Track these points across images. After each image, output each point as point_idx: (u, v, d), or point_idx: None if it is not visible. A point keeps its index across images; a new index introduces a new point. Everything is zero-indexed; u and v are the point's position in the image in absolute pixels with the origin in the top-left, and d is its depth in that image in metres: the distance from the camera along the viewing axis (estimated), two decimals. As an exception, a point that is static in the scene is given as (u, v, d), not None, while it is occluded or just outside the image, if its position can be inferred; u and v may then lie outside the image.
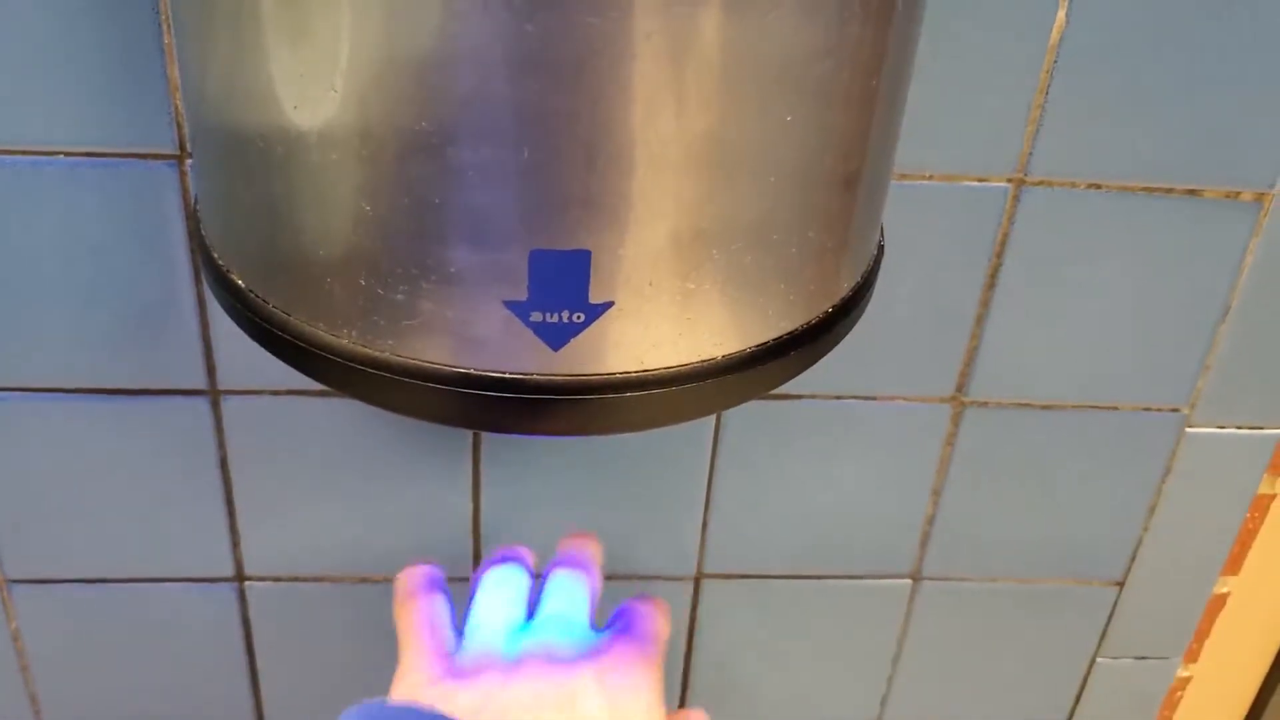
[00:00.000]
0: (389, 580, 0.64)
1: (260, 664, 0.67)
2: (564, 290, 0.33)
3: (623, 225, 0.33)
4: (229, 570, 0.63)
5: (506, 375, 0.35)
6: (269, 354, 0.38)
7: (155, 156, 0.50)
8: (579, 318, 0.34)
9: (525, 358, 0.34)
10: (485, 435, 0.60)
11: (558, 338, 0.34)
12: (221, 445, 0.59)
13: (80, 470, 0.59)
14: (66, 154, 0.50)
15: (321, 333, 0.35)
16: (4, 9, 0.46)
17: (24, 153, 0.50)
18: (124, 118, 0.49)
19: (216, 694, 0.68)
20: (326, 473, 0.60)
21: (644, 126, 0.31)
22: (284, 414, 0.58)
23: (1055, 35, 0.50)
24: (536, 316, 0.33)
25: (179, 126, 0.50)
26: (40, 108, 0.49)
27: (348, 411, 0.58)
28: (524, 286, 0.33)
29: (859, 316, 0.41)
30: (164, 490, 0.60)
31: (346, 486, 0.61)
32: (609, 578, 0.65)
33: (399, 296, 0.34)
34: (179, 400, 0.57)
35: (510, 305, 0.33)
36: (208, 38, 0.34)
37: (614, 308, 0.34)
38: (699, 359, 0.36)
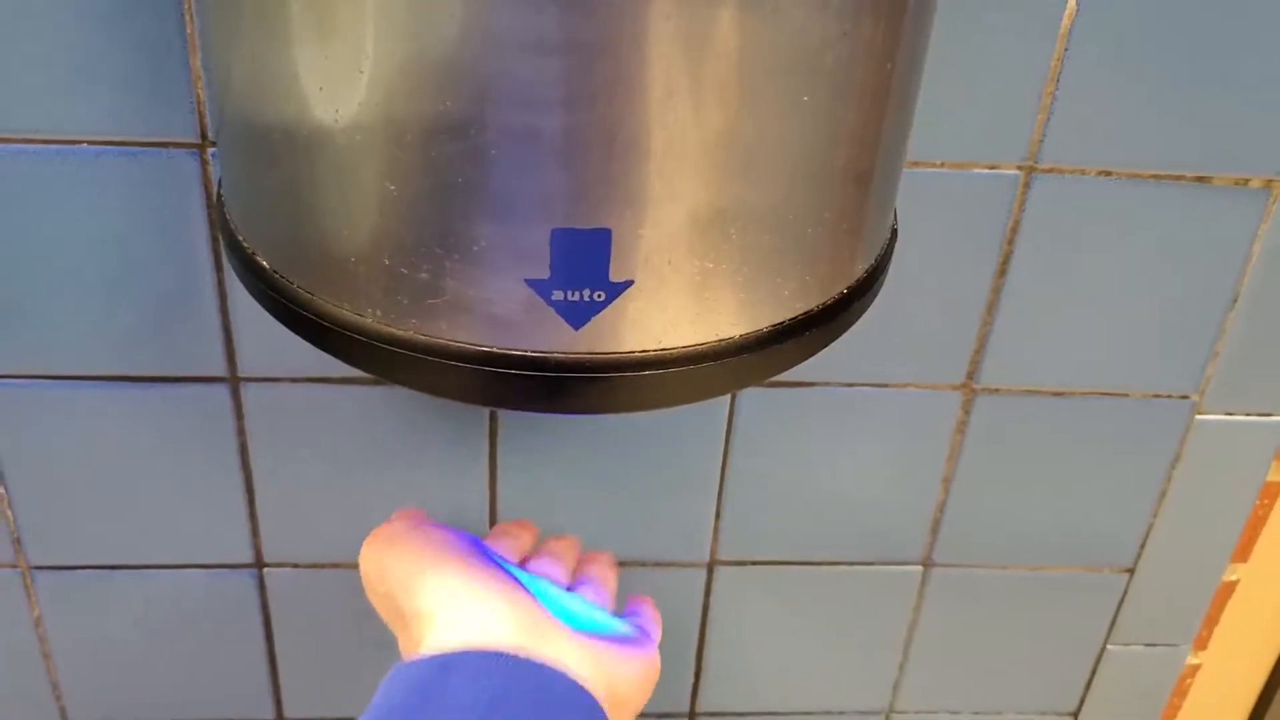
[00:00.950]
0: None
1: (279, 650, 0.67)
2: (585, 269, 0.34)
3: (642, 205, 0.33)
4: (248, 557, 0.64)
5: (528, 353, 0.35)
6: (290, 338, 0.38)
7: (177, 145, 0.51)
8: (600, 296, 0.34)
9: (547, 336, 0.35)
10: (502, 423, 0.61)
11: (579, 316, 0.35)
12: (241, 432, 0.60)
13: (101, 457, 0.60)
14: (90, 143, 0.51)
15: (346, 313, 0.36)
16: (29, 1, 0.47)
17: (48, 141, 0.50)
18: (147, 107, 0.50)
19: (236, 679, 0.68)
20: (345, 460, 0.61)
21: (663, 107, 0.32)
22: (303, 401, 0.59)
23: (1066, 23, 0.51)
24: (558, 295, 0.34)
25: (201, 116, 0.50)
26: (65, 98, 0.49)
27: (367, 399, 0.59)
28: (546, 265, 0.34)
29: (873, 298, 0.42)
30: (184, 477, 0.61)
31: (365, 474, 0.61)
32: (622, 564, 0.66)
33: (423, 276, 0.34)
34: (199, 387, 0.58)
35: (532, 284, 0.34)
36: (233, 22, 0.35)
37: (634, 286, 0.34)
38: (716, 338, 0.37)
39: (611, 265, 0.34)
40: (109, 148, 0.51)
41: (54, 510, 0.61)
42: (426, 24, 0.31)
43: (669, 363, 0.36)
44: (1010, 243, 0.57)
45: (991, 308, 0.59)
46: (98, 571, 0.64)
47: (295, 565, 0.64)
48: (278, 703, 0.70)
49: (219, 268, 0.54)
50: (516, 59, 0.31)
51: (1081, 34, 0.51)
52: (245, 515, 0.62)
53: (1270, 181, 0.55)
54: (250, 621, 0.66)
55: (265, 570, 0.64)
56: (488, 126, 0.32)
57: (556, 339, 0.35)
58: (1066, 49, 0.52)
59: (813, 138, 0.35)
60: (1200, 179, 0.55)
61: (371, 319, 0.36)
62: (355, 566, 0.65)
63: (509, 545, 0.49)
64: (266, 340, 0.56)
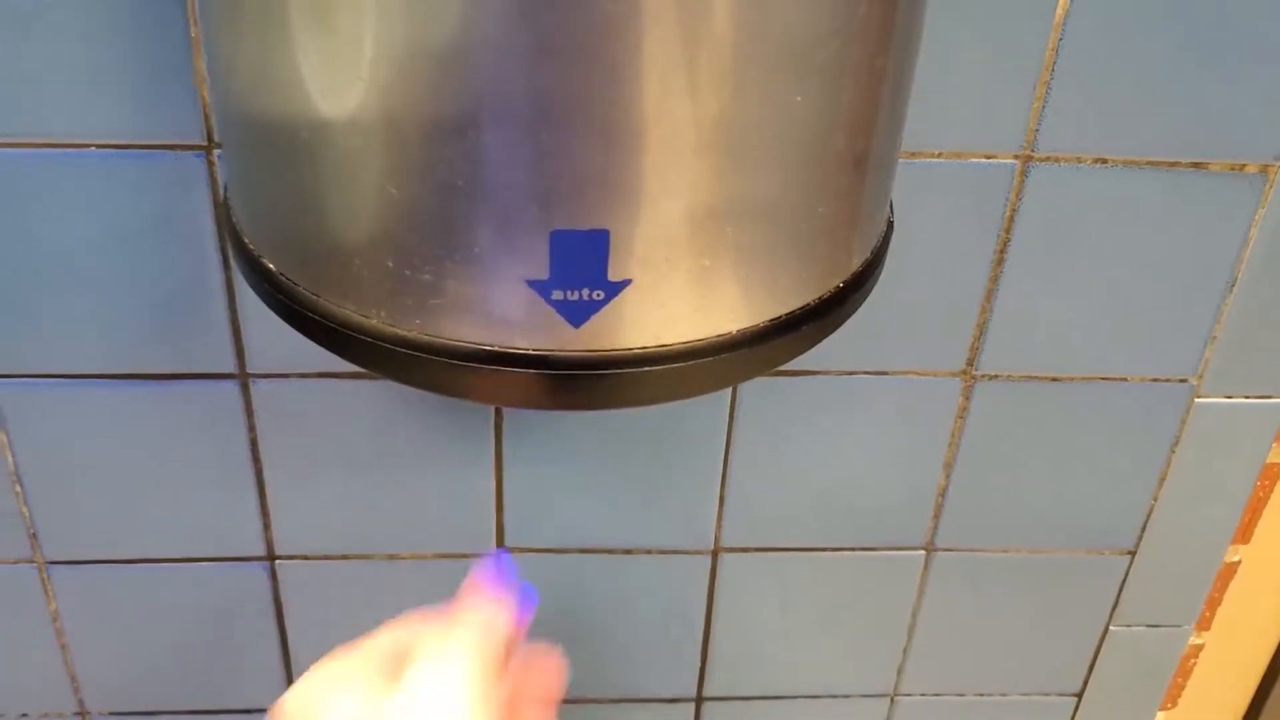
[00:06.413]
0: (415, 558, 0.66)
1: (291, 641, 0.68)
2: (584, 269, 0.34)
3: (639, 204, 0.34)
4: (260, 550, 0.65)
5: (530, 352, 0.36)
6: (298, 335, 0.39)
7: (184, 147, 0.52)
8: (598, 295, 0.35)
9: (547, 335, 0.36)
10: (506, 416, 0.61)
11: (578, 315, 0.35)
12: (251, 428, 0.60)
13: (114, 454, 0.61)
14: (98, 146, 0.51)
15: (351, 313, 0.37)
16: (36, 5, 0.48)
17: (57, 146, 0.51)
18: (153, 110, 0.51)
19: (249, 671, 0.69)
20: (354, 454, 0.62)
21: (658, 106, 0.32)
22: (312, 397, 0.59)
23: (1060, 11, 0.51)
24: (558, 294, 0.35)
25: (206, 118, 0.51)
26: (73, 102, 0.50)
27: (373, 394, 0.60)
28: (545, 265, 0.34)
29: (870, 291, 0.42)
30: (196, 472, 0.62)
31: (373, 467, 0.62)
32: (627, 552, 0.67)
33: (425, 277, 0.35)
34: (209, 384, 0.59)
35: (532, 284, 0.35)
36: (235, 27, 0.36)
37: (632, 285, 0.35)
38: (714, 334, 0.37)
39: (610, 265, 0.35)
40: (116, 151, 0.51)
41: (69, 507, 0.62)
42: (424, 28, 0.32)
43: (668, 359, 0.37)
44: (1008, 231, 0.57)
45: (990, 295, 0.59)
46: (113, 566, 0.65)
47: (306, 557, 0.65)
48: (291, 692, 0.71)
49: (227, 266, 0.55)
50: (513, 61, 0.31)
51: (1077, 21, 0.51)
52: (257, 509, 0.63)
53: (1266, 167, 0.56)
54: (263, 613, 0.67)
55: (277, 563, 0.65)
56: (485, 129, 0.32)
57: (557, 337, 0.36)
58: (1062, 37, 0.52)
59: (806, 134, 0.35)
60: (1196, 165, 0.56)
61: (377, 320, 0.37)
62: (364, 557, 0.66)
63: None
64: (275, 337, 0.57)
